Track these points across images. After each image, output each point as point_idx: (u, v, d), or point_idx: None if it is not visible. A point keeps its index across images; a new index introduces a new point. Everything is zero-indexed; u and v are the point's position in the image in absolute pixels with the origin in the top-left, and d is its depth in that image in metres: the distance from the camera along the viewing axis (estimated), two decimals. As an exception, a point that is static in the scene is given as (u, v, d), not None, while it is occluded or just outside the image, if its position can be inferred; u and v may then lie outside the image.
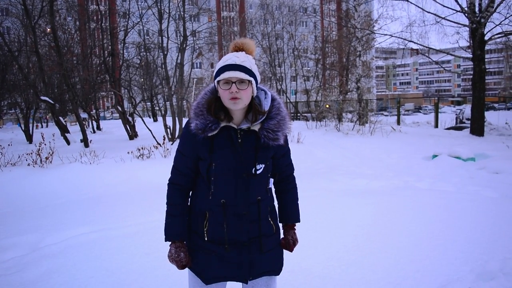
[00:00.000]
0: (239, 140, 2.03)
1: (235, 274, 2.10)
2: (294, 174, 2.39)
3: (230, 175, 2.04)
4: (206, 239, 2.10)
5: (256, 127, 2.04)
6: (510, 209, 5.55)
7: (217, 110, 2.02)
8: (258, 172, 2.06)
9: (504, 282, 3.44)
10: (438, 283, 3.48)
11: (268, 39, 28.21)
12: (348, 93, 18.66)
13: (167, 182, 2.21)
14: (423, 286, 3.45)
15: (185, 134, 2.10)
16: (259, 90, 2.11)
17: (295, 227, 2.34)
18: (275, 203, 2.32)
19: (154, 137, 12.10)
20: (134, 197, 7.00)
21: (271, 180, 2.19)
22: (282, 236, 2.33)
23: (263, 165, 2.08)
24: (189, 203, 2.22)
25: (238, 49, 2.04)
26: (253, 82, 1.99)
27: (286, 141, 2.19)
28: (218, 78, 1.97)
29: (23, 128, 17.34)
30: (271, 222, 2.19)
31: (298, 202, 2.38)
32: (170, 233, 2.14)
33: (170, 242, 2.15)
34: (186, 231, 2.17)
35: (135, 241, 4.60)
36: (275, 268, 2.20)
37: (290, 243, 2.27)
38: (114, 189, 7.68)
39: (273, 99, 2.11)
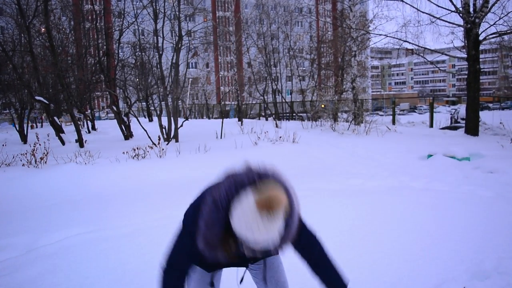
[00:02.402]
0: (245, 257, 2.05)
1: (235, 262, 2.19)
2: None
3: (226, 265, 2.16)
4: None
5: None
6: (504, 208, 5.57)
7: (229, 243, 1.85)
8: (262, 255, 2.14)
9: (499, 281, 3.46)
10: (433, 282, 3.49)
11: (263, 39, 28.23)
12: (344, 93, 18.68)
13: (161, 267, 2.04)
14: (418, 285, 3.46)
15: (188, 242, 1.92)
16: None
17: None
18: None
19: (149, 137, 12.08)
20: (129, 197, 6.98)
21: None
22: None
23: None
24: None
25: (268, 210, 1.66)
26: None
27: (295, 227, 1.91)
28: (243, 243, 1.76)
29: (17, 128, 17.25)
30: None
31: (334, 262, 2.16)
32: None
33: None
34: None
35: (131, 242, 4.59)
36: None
37: None
38: (109, 190, 7.66)
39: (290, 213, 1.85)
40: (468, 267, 3.72)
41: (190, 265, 2.05)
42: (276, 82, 27.99)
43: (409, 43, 17.02)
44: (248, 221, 1.65)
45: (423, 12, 16.48)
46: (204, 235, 1.78)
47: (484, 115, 17.55)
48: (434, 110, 22.61)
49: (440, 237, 4.50)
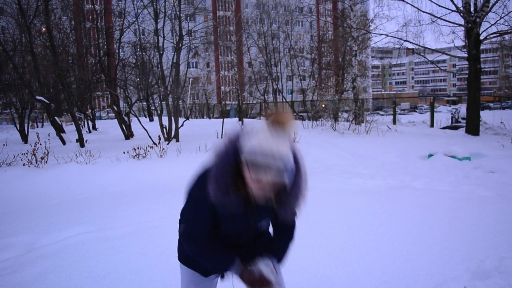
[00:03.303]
0: (254, 211, 1.98)
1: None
2: None
3: (238, 233, 2.06)
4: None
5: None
6: (505, 208, 5.57)
7: (239, 183, 1.84)
8: (263, 227, 2.15)
9: (499, 281, 3.45)
10: (433, 282, 3.49)
11: (264, 39, 28.20)
12: (344, 93, 18.67)
13: (186, 239, 2.01)
14: (419, 285, 3.45)
15: (202, 202, 1.91)
16: None
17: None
18: None
19: (150, 136, 12.07)
20: (130, 197, 6.98)
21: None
22: None
23: (268, 219, 2.14)
24: None
25: (278, 125, 1.74)
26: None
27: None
28: (253, 174, 1.74)
29: (18, 128, 17.26)
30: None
31: (290, 247, 2.19)
32: (228, 263, 2.02)
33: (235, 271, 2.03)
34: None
35: (131, 241, 4.59)
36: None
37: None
38: (110, 189, 7.66)
39: (297, 170, 1.90)
40: (468, 267, 3.72)
41: (211, 230, 1.99)
42: (276, 82, 27.99)
43: (410, 42, 17.02)
44: (258, 135, 1.74)
45: (424, 12, 16.51)
46: (216, 178, 1.81)
47: (484, 115, 17.55)
48: (435, 109, 22.60)
49: (440, 237, 4.50)
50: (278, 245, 2.16)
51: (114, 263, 4.01)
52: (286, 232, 2.17)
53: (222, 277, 2.17)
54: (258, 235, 2.16)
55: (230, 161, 1.81)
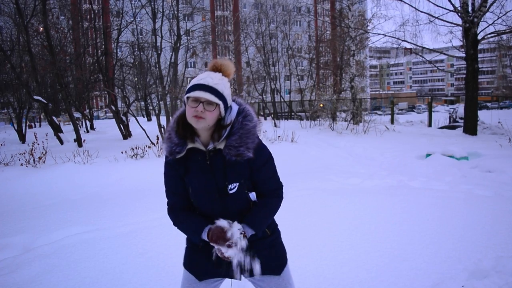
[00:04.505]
0: (208, 162, 2.02)
1: (226, 272, 2.11)
2: (283, 186, 2.22)
3: (205, 196, 2.06)
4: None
5: (221, 145, 2.01)
6: (503, 208, 5.58)
7: (184, 128, 2.02)
8: (232, 191, 2.04)
9: (497, 280, 3.46)
10: (431, 281, 3.49)
11: (262, 38, 28.17)
12: (342, 92, 18.71)
13: (167, 211, 2.23)
14: (417, 284, 3.46)
15: (166, 168, 2.17)
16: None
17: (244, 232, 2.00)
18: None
19: (148, 136, 12.07)
20: (127, 197, 6.97)
21: (253, 194, 2.11)
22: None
23: (237, 184, 2.04)
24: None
25: (216, 69, 2.03)
26: (221, 105, 1.97)
27: (259, 154, 2.05)
28: (187, 95, 1.95)
29: (15, 128, 17.24)
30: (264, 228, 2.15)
31: (267, 214, 2.11)
32: (196, 229, 2.06)
33: (205, 236, 2.04)
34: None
35: (129, 241, 4.59)
36: (271, 267, 2.17)
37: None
38: (107, 189, 7.65)
39: (238, 113, 2.05)
40: (466, 266, 3.72)
41: (182, 194, 2.16)
42: (274, 82, 27.98)
43: (408, 42, 17.05)
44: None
45: (421, 12, 16.53)
46: (166, 131, 2.11)
47: (482, 115, 17.60)
48: (433, 109, 22.64)
49: (438, 236, 4.50)
50: (252, 209, 2.10)
51: (112, 263, 4.01)
52: (264, 200, 2.13)
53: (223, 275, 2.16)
54: (234, 212, 2.08)
55: (180, 111, 2.10)
